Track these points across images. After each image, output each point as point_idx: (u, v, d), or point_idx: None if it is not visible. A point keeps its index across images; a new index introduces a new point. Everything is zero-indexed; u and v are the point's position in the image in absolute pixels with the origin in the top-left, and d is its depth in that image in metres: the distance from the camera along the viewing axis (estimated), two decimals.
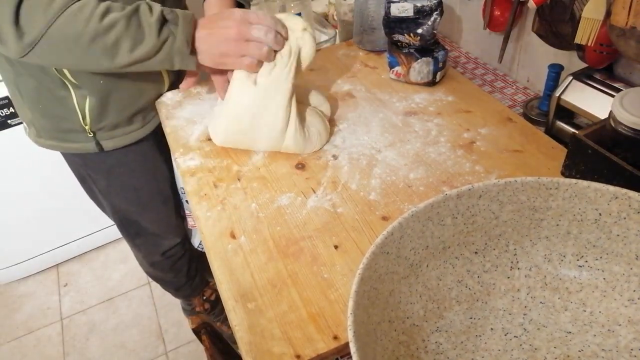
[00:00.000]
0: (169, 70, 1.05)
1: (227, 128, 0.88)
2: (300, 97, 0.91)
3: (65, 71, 0.91)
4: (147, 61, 0.80)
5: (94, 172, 1.12)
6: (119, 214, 1.23)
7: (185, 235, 1.37)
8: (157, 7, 0.79)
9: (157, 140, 1.12)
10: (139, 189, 1.17)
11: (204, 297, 1.56)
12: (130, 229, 1.27)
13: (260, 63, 0.84)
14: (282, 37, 0.83)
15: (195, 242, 1.30)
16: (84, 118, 0.98)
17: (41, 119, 1.01)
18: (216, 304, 1.59)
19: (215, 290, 1.59)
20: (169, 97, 1.07)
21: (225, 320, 1.58)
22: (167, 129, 0.99)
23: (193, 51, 0.82)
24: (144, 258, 1.37)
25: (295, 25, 0.85)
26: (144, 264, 1.42)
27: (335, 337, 0.60)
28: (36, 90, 0.95)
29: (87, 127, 0.99)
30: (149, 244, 1.32)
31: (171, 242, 1.32)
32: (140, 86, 1.01)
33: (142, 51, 0.78)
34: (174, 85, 1.08)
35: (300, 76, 0.88)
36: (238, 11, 0.83)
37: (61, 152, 1.09)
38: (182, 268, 1.43)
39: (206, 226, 0.77)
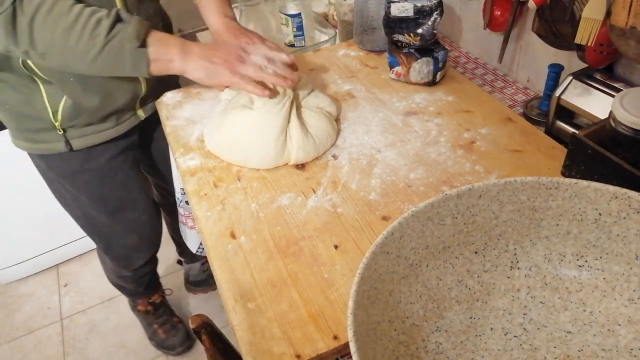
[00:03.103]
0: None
1: (219, 145, 0.89)
2: (303, 101, 0.92)
3: (33, 67, 0.90)
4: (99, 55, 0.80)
5: (60, 176, 1.10)
6: (89, 226, 1.22)
7: (158, 247, 1.38)
8: (113, 11, 0.81)
9: (129, 147, 1.11)
10: (107, 196, 1.15)
11: (149, 300, 1.58)
12: (100, 242, 1.27)
13: (252, 81, 0.85)
14: (278, 73, 0.86)
15: (193, 247, 1.30)
16: (54, 114, 0.96)
17: (12, 120, 1.00)
18: (158, 307, 1.60)
19: (161, 296, 1.61)
20: (169, 97, 1.07)
21: (163, 324, 1.60)
22: (167, 129, 0.99)
23: (143, 45, 0.81)
24: (112, 272, 1.38)
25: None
26: (112, 277, 1.43)
27: (335, 337, 0.60)
28: (2, 90, 0.95)
29: (57, 124, 0.97)
30: (120, 260, 1.32)
31: (145, 256, 1.33)
32: (114, 89, 0.99)
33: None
34: (154, 90, 1.07)
35: (299, 104, 0.90)
36: (234, 42, 0.89)
37: (28, 154, 1.08)
38: (145, 281, 1.46)
39: (206, 226, 0.77)
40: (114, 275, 1.41)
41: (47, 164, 1.08)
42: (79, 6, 0.78)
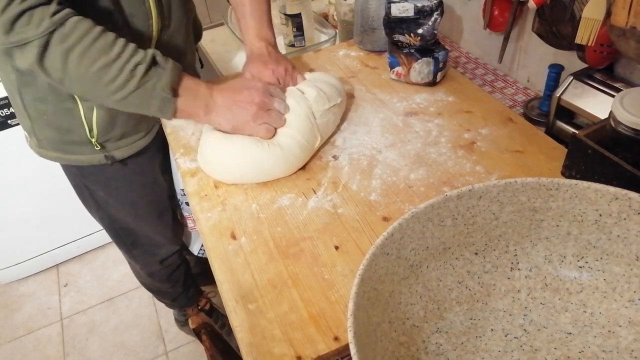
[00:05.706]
0: None
1: (230, 169, 0.84)
2: None
3: None
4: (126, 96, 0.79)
5: (92, 183, 1.10)
6: (115, 225, 1.22)
7: (182, 244, 1.37)
8: (149, 51, 0.79)
9: (155, 152, 1.11)
10: (136, 202, 1.16)
11: (199, 307, 1.56)
12: (126, 240, 1.27)
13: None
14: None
15: (194, 248, 1.30)
16: (90, 130, 0.96)
17: (45, 130, 0.99)
18: (211, 313, 1.58)
19: (210, 300, 1.59)
20: None
21: (222, 327, 1.58)
22: (168, 129, 0.99)
23: (175, 95, 0.80)
24: (141, 269, 1.37)
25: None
26: (142, 275, 1.41)
27: (336, 338, 0.60)
28: (41, 101, 0.94)
29: (93, 140, 0.97)
30: (146, 254, 1.31)
31: (168, 250, 1.32)
32: None
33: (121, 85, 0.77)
34: None
35: None
36: (260, 83, 0.86)
37: (61, 164, 1.08)
38: (179, 278, 1.43)
39: (207, 227, 0.77)
40: (145, 274, 1.38)
41: (82, 173, 1.08)
42: (119, 45, 0.76)
